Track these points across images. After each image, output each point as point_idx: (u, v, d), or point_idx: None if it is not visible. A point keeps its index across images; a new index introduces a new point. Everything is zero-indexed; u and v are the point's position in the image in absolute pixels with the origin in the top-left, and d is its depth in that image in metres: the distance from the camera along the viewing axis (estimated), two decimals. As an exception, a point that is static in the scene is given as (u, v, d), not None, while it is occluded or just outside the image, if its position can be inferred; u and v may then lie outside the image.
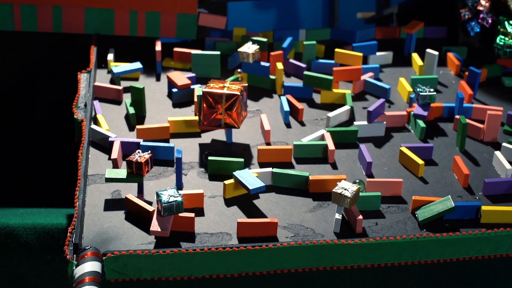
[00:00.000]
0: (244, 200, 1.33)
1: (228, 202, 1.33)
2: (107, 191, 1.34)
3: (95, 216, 1.28)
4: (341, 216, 1.27)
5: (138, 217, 1.28)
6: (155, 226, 1.23)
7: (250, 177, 1.32)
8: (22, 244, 1.49)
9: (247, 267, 1.22)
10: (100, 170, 1.39)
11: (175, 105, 1.58)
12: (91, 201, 1.31)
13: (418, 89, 1.53)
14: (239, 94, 1.40)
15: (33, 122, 1.95)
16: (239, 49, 1.61)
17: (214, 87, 1.42)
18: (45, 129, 1.95)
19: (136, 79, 1.66)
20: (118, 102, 1.58)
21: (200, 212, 1.30)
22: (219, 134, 1.50)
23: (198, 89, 1.51)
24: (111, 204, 1.31)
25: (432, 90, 1.53)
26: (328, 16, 2.75)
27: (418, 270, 1.34)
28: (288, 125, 1.53)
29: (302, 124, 1.54)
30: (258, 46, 1.61)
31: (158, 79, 1.67)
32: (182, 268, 1.21)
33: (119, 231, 1.25)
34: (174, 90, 1.58)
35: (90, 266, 1.16)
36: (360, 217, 1.27)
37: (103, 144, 1.44)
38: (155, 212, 1.25)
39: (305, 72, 1.60)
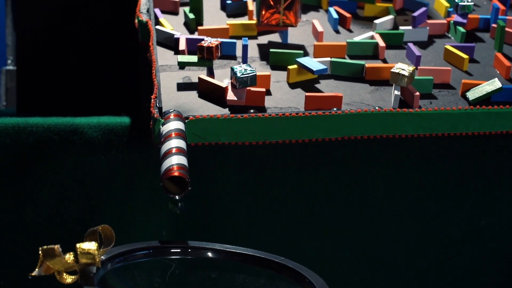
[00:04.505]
0: (306, 84, 1.43)
1: (292, 86, 1.43)
2: (177, 77, 1.43)
3: (170, 95, 1.37)
4: (399, 92, 1.38)
5: (211, 95, 1.37)
6: (231, 95, 1.32)
7: (312, 61, 1.42)
8: (87, 141, 1.55)
9: (317, 133, 1.32)
10: (167, 62, 1.48)
11: (229, 16, 1.68)
12: (163, 84, 1.40)
13: (457, 0, 1.64)
14: (297, -7, 1.51)
15: (89, 37, 2.06)
16: (287, -33, 1.71)
17: (273, -12, 1.52)
18: (100, 42, 2.06)
19: (187, -4, 1.75)
20: (175, 13, 1.68)
21: (267, 92, 1.40)
22: (275, 37, 1.60)
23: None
24: (183, 87, 1.40)
25: (470, 0, 1.64)
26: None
27: (472, 142, 1.44)
28: (337, 32, 1.64)
29: (350, 31, 1.65)
30: (304, -39, 1.72)
31: (208, -4, 1.77)
32: (258, 132, 1.30)
33: (195, 106, 1.34)
34: (228, 1, 1.67)
35: (176, 124, 1.25)
36: (417, 93, 1.37)
37: (168, 43, 1.54)
38: (229, 87, 1.34)
39: (351, -13, 1.71)
